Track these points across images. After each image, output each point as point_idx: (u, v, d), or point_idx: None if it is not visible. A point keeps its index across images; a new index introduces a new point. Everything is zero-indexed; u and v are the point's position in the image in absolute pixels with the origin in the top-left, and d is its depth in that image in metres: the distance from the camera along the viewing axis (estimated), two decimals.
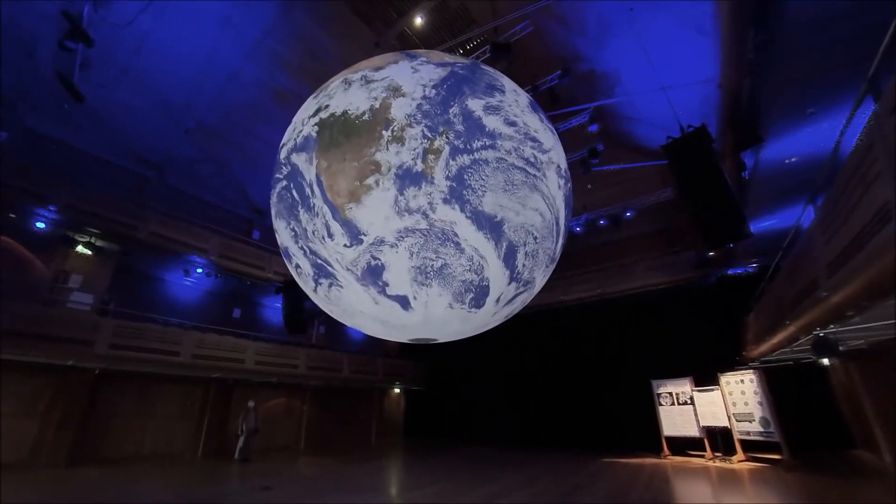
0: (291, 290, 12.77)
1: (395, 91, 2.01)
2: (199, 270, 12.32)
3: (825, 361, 8.23)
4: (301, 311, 12.98)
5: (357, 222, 1.91)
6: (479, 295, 2.14)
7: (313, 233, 2.04)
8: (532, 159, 2.11)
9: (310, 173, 2.01)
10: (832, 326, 5.09)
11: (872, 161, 3.22)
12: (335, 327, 17.52)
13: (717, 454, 10.14)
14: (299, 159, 2.08)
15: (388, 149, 1.87)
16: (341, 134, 1.96)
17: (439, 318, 2.21)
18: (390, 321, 2.26)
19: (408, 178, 1.85)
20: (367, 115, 1.96)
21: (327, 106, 2.11)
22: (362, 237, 1.93)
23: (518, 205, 2.02)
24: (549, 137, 2.33)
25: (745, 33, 4.65)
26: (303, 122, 2.20)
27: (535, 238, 2.18)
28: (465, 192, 1.88)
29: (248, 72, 11.24)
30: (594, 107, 10.08)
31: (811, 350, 5.78)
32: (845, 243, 3.75)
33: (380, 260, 1.96)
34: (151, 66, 10.26)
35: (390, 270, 1.97)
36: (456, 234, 1.91)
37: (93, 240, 10.26)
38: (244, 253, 13.24)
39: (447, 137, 1.90)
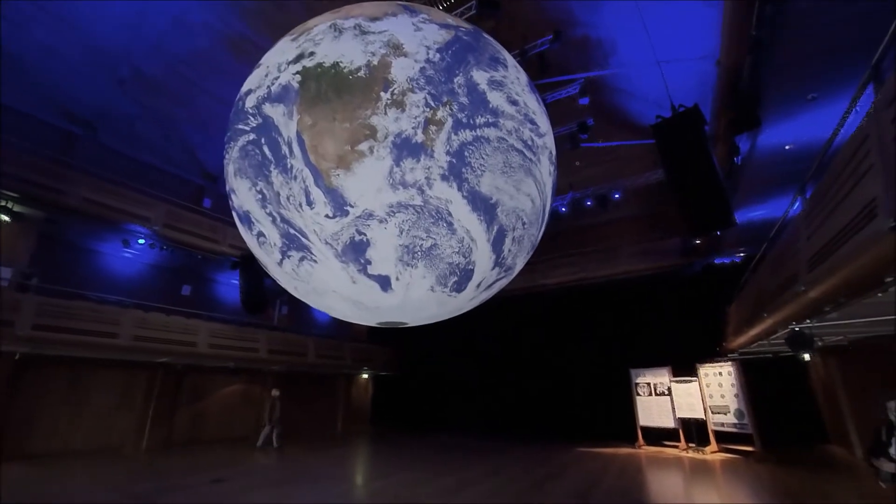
0: (250, 266, 12.42)
1: (396, 49, 1.92)
2: (141, 241, 11.73)
3: (806, 356, 8.81)
4: (261, 289, 12.70)
5: (344, 191, 1.84)
6: (462, 279, 2.19)
7: (288, 198, 1.92)
8: (530, 142, 2.16)
9: (288, 129, 1.89)
10: (808, 321, 5.35)
11: (865, 154, 3.27)
12: (300, 308, 17.26)
13: (691, 445, 10.79)
14: (275, 111, 1.94)
15: (386, 113, 1.80)
16: (331, 89, 1.84)
17: (418, 301, 2.25)
18: (365, 302, 2.25)
19: (406, 148, 1.80)
20: (363, 72, 1.85)
21: (312, 53, 1.97)
22: (348, 209, 1.86)
23: (513, 188, 2.07)
24: (544, 121, 2.39)
25: (751, 5, 4.59)
26: (279, 68, 2.03)
27: (524, 224, 2.26)
28: (464, 169, 1.88)
29: (197, 15, 10.39)
30: (586, 78, 9.94)
31: (786, 344, 6.10)
32: (828, 238, 3.87)
33: (365, 235, 1.91)
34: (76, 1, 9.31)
35: (375, 247, 1.94)
36: (450, 214, 1.92)
37: (9, 204, 9.52)
38: (194, 223, 12.67)
39: (451, 109, 1.87)
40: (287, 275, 2.28)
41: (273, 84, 2.00)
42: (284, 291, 2.68)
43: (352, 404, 18.42)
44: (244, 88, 2.22)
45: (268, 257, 2.27)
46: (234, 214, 2.39)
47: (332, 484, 7.83)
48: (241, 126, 2.09)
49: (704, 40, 7.01)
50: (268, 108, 1.97)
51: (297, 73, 1.94)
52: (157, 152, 13.55)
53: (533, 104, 2.29)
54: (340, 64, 1.88)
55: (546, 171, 2.36)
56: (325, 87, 1.86)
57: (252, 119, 2.03)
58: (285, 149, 1.89)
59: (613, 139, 12.61)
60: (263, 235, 2.15)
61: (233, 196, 2.27)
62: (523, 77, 2.37)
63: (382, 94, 1.82)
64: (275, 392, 12.58)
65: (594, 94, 10.55)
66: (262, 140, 1.96)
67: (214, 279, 15.39)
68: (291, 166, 1.88)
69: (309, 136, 1.85)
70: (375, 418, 19.22)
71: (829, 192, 3.94)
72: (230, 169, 2.21)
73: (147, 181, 12.62)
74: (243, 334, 12.93)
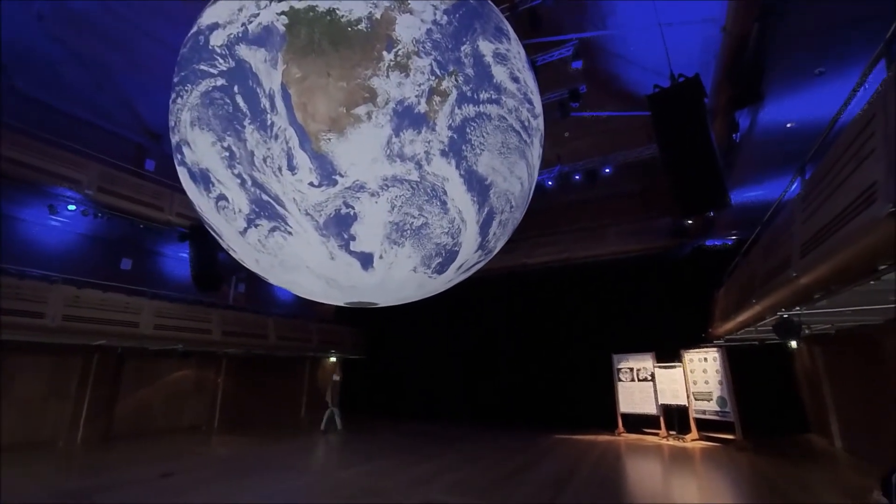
0: (201, 238, 12.02)
1: (401, 3, 1.85)
2: (72, 207, 11.08)
3: (793, 344, 9.34)
4: (214, 263, 12.38)
5: (334, 158, 1.78)
6: (446, 260, 2.26)
7: (265, 160, 1.83)
8: (526, 123, 2.22)
9: (271, 80, 1.77)
10: (798, 308, 5.63)
11: (869, 135, 3.35)
12: (259, 285, 16.97)
13: (671, 433, 11.42)
14: (254, 56, 1.80)
15: (388, 76, 1.74)
16: (326, 39, 1.74)
17: (397, 282, 2.29)
18: (340, 281, 2.26)
19: (407, 117, 1.78)
20: (363, 25, 1.76)
21: None
22: (337, 178, 1.82)
23: (507, 170, 2.14)
24: (538, 101, 2.47)
25: None
26: (258, 4, 1.88)
27: (512, 207, 2.35)
28: (464, 147, 1.91)
29: None
30: (580, 39, 9.79)
31: (773, 331, 6.43)
32: (824, 223, 4.00)
33: (353, 208, 1.88)
34: None
35: (363, 223, 1.93)
36: (445, 193, 1.95)
37: None
38: (134, 187, 12.07)
39: (456, 80, 1.86)
40: (250, 246, 2.20)
41: (251, 22, 1.85)
42: (241, 267, 2.61)
43: (317, 390, 18.47)
44: (206, 20, 2.04)
45: (227, 225, 2.17)
46: (183, 171, 2.25)
47: (294, 475, 7.90)
48: (203, 67, 1.93)
49: (711, 3, 6.98)
50: (243, 51, 1.83)
51: (283, 13, 1.81)
52: (89, 104, 12.65)
53: (531, 83, 2.36)
54: (337, 11, 1.78)
55: (537, 154, 2.47)
56: (318, 36, 1.75)
57: (221, 61, 1.88)
58: (265, 102, 1.78)
59: (606, 109, 12.60)
60: (225, 199, 2.05)
61: (185, 149, 2.12)
62: (523, 52, 2.43)
63: (385, 53, 1.75)
64: (335, 377, 14.37)
65: (588, 57, 10.44)
66: (235, 88, 1.83)
67: (159, 252, 14.84)
68: (272, 123, 1.79)
69: (297, 91, 1.75)
70: (344, 404, 19.35)
71: (828, 174, 4.06)
72: (185, 116, 2.04)
73: (77, 138, 11.83)
74: (194, 314, 12.63)
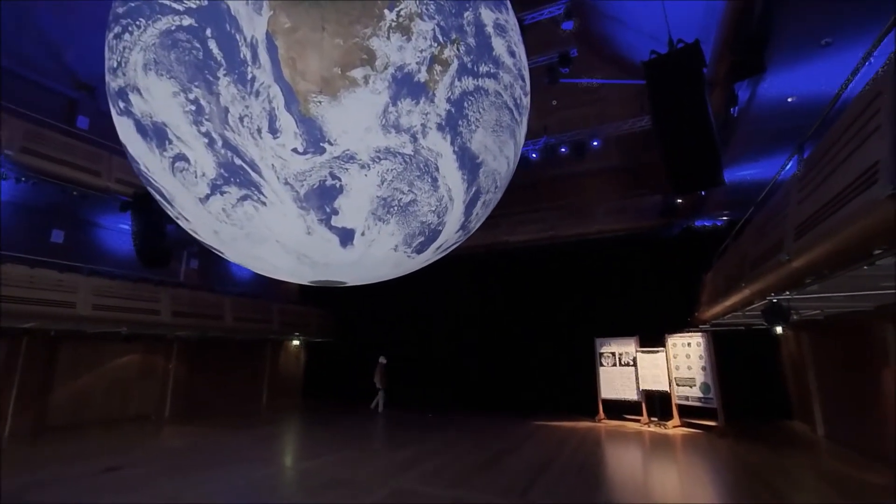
0: (146, 208, 11.52)
1: None
2: None
3: (778, 330, 9.76)
4: (162, 236, 11.91)
5: (324, 124, 1.71)
6: (427, 239, 2.28)
7: (241, 119, 1.72)
8: (518, 101, 2.25)
9: (254, 27, 1.64)
10: (788, 293, 5.86)
11: (874, 112, 3.42)
12: (213, 261, 16.50)
13: (653, 419, 11.92)
14: None
15: (388, 37, 1.67)
16: None
17: (375, 261, 2.31)
18: (313, 257, 2.23)
19: (407, 85, 1.73)
20: None
21: None
22: (326, 145, 1.75)
23: (497, 149, 2.17)
24: (528, 78, 2.51)
25: None
26: None
27: (496, 188, 2.39)
28: (460, 122, 1.91)
29: None
30: None
31: (762, 315, 6.70)
32: (820, 204, 4.12)
33: (340, 180, 1.83)
34: None
35: (349, 196, 1.88)
36: (437, 169, 1.96)
37: None
38: (65, 148, 11.32)
39: (458, 49, 1.83)
40: (210, 215, 2.08)
41: None
42: (194, 239, 2.49)
43: (279, 375, 18.39)
44: None
45: (184, 190, 2.03)
46: (126, 123, 2.06)
47: (253, 467, 7.87)
48: (164, 1, 1.75)
49: None
50: None
51: None
52: (7, 49, 11.73)
53: (524, 58, 2.39)
54: None
55: (524, 133, 2.52)
56: None
57: None
58: (246, 52, 1.65)
59: (598, 76, 12.59)
60: (185, 160, 1.90)
61: (133, 97, 1.94)
62: (517, 24, 2.44)
63: (387, 12, 1.67)
64: (382, 360, 15.64)
65: (581, 18, 10.33)
66: (208, 31, 1.67)
67: (96, 223, 14.16)
68: (253, 78, 1.66)
69: (285, 43, 1.64)
70: (309, 391, 19.37)
71: (828, 153, 4.15)
72: (135, 57, 1.85)
73: None
74: (139, 293, 12.23)
